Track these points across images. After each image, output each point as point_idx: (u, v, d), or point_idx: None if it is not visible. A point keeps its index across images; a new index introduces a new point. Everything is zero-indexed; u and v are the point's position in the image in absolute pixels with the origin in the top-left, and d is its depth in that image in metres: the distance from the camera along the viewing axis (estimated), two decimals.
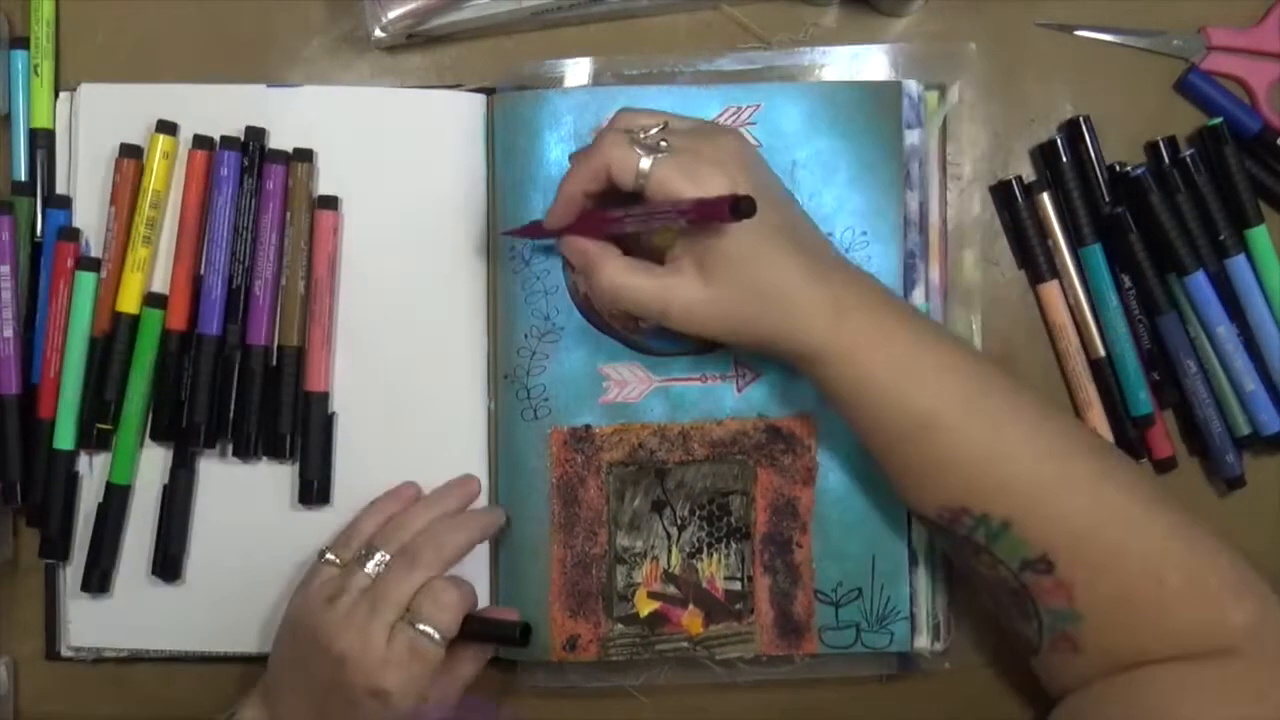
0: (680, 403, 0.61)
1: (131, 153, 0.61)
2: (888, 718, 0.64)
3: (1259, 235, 0.62)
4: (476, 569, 0.60)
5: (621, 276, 0.52)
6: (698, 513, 0.61)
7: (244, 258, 0.61)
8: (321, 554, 0.59)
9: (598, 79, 0.62)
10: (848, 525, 0.60)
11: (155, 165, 0.61)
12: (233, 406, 0.61)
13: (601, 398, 0.61)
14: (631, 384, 0.61)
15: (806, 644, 0.60)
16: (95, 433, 0.61)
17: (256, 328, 0.61)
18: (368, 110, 0.62)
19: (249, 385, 0.61)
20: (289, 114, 0.62)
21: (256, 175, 0.61)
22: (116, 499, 0.61)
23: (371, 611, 0.55)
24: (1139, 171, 0.61)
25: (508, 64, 0.63)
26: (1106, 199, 0.62)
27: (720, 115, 0.60)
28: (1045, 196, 0.63)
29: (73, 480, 0.62)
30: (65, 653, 0.63)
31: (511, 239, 0.60)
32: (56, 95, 0.63)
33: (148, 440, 0.62)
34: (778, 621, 0.60)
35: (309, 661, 0.55)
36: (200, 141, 0.61)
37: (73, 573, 0.62)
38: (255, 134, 0.61)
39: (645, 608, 0.61)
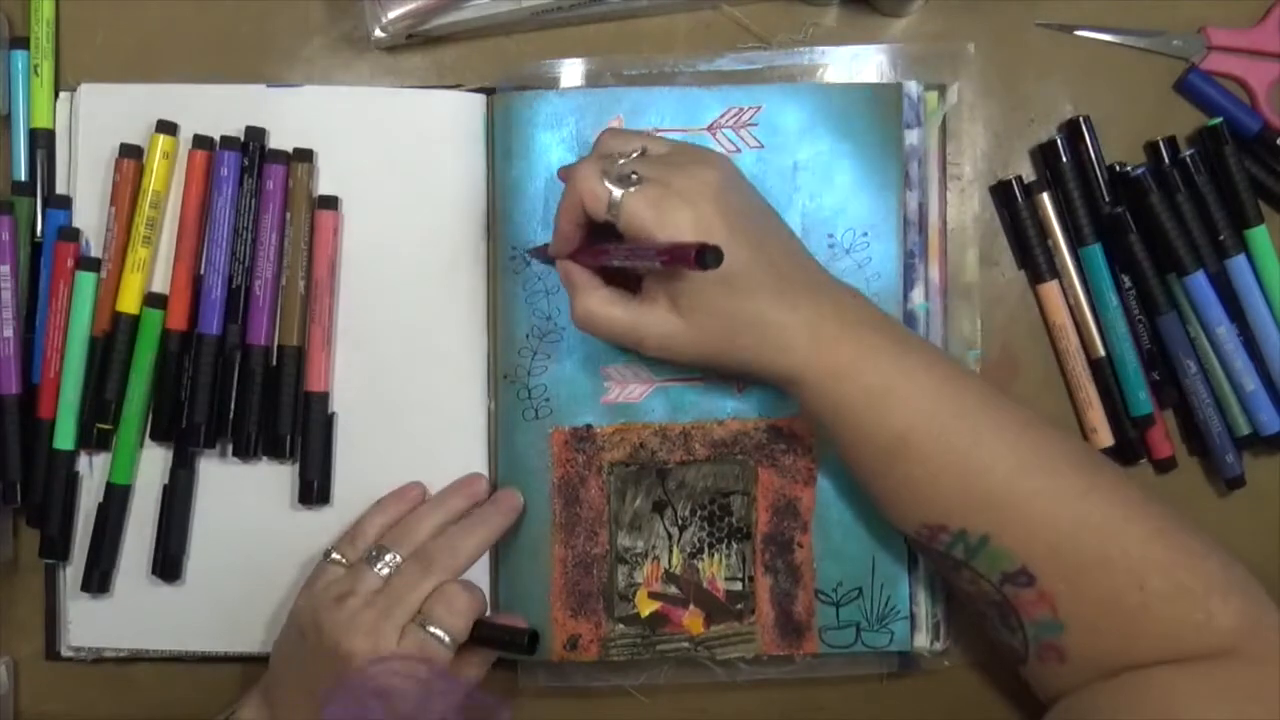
0: (681, 403, 0.61)
1: (131, 153, 0.61)
2: (888, 717, 0.64)
3: (1259, 235, 0.62)
4: (477, 568, 0.60)
5: (597, 306, 0.53)
6: (699, 513, 0.61)
7: (244, 258, 0.61)
8: (327, 553, 0.59)
9: (598, 79, 0.62)
10: (848, 525, 0.60)
11: (155, 165, 0.61)
12: (233, 406, 0.61)
13: (603, 398, 0.61)
14: (633, 384, 0.61)
15: (807, 644, 0.60)
16: (95, 433, 0.61)
17: (256, 328, 0.61)
18: (368, 110, 0.62)
19: (249, 385, 0.61)
20: (289, 114, 0.62)
21: (256, 175, 0.61)
22: (116, 499, 0.61)
23: (383, 613, 0.55)
24: (1139, 171, 0.61)
25: (508, 64, 0.63)
26: (1106, 199, 0.62)
27: (721, 116, 0.60)
28: (1045, 196, 0.63)
29: (73, 480, 0.62)
30: (65, 653, 0.63)
31: (512, 239, 0.60)
32: (56, 95, 0.63)
33: (148, 440, 0.62)
34: (778, 621, 0.60)
35: (314, 661, 0.55)
36: (200, 141, 0.61)
37: (73, 573, 0.62)
38: (255, 134, 0.61)
39: (646, 608, 0.61)
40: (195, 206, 0.61)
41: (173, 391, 0.61)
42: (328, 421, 0.62)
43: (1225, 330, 0.61)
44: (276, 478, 0.62)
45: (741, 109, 0.60)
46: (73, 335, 0.61)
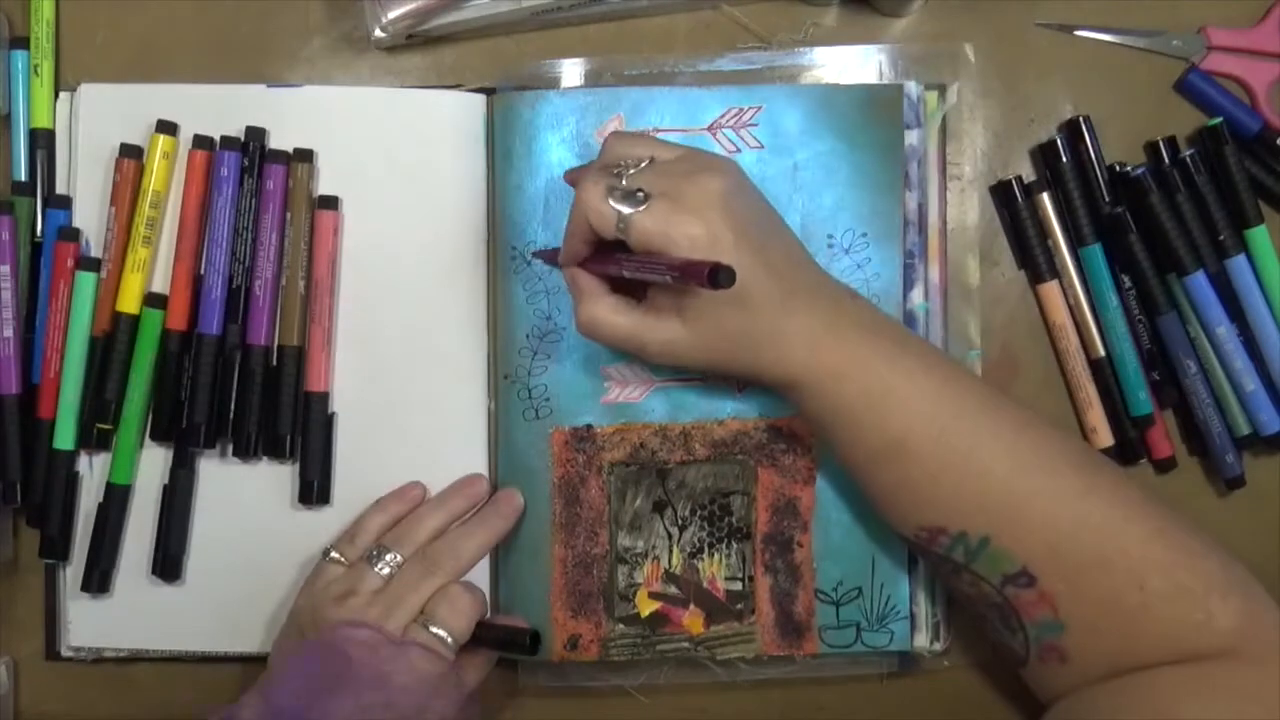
0: (681, 403, 0.61)
1: (131, 153, 0.61)
2: (888, 717, 0.64)
3: (1259, 235, 0.62)
4: (478, 568, 0.60)
5: (602, 314, 0.54)
6: (699, 513, 0.61)
7: (244, 258, 0.61)
8: (326, 552, 0.59)
9: (598, 79, 0.62)
10: (848, 525, 0.60)
11: (155, 165, 0.61)
12: (233, 407, 0.61)
13: (603, 398, 0.61)
14: (633, 384, 0.61)
15: (807, 644, 0.60)
16: (95, 433, 0.61)
17: (256, 328, 0.61)
18: (368, 110, 0.62)
19: (249, 385, 0.61)
20: (289, 114, 0.62)
21: (256, 175, 0.61)
22: (116, 499, 0.61)
23: (385, 613, 0.55)
24: (1139, 171, 0.61)
25: (508, 64, 0.63)
26: (1106, 199, 0.62)
27: (721, 116, 0.60)
28: (1045, 196, 0.63)
29: (73, 480, 0.62)
30: (65, 653, 0.63)
31: (512, 239, 0.60)
32: (56, 95, 0.63)
33: (148, 440, 0.62)
34: (779, 621, 0.60)
35: None
36: (200, 141, 0.61)
37: (73, 573, 0.62)
38: (255, 134, 0.61)
39: (646, 608, 0.61)
40: (195, 206, 0.61)
41: (173, 391, 0.61)
42: (328, 421, 0.62)
43: (1225, 330, 0.61)
44: (276, 478, 0.62)
45: (742, 109, 0.60)
46: (73, 335, 0.61)
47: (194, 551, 0.62)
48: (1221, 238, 0.62)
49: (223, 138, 0.61)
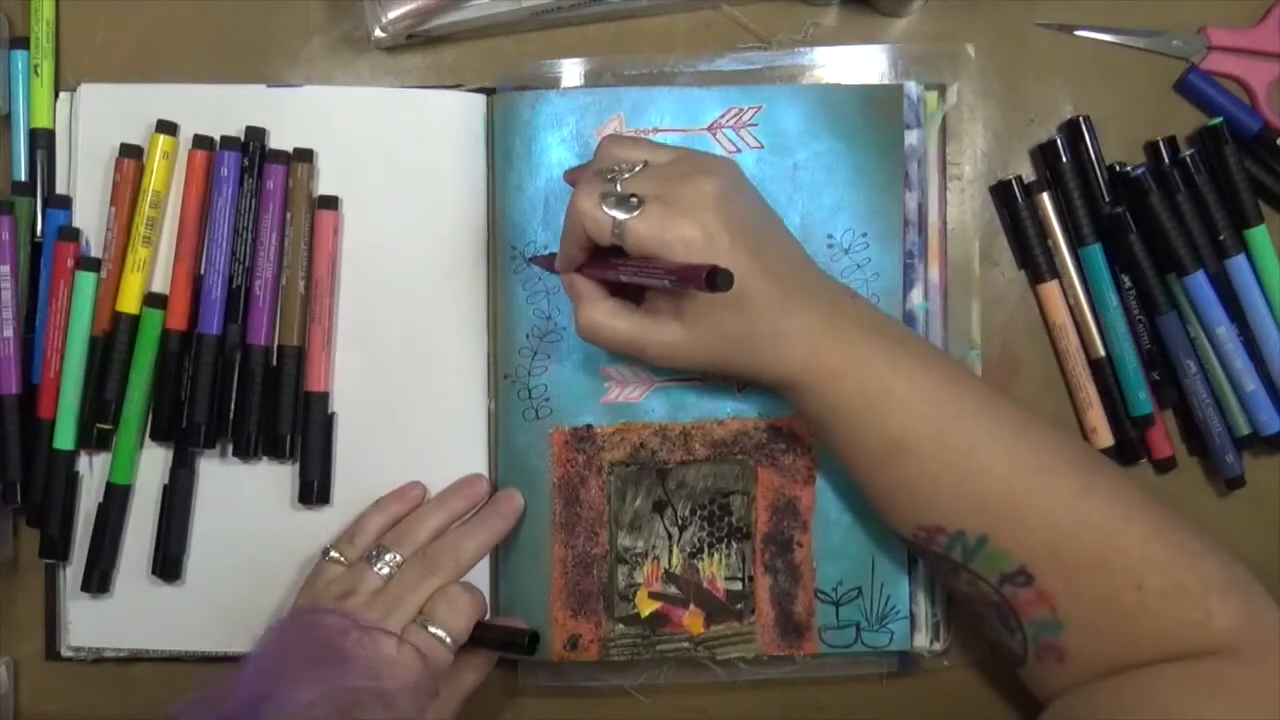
0: (681, 403, 0.61)
1: (131, 153, 0.61)
2: (887, 717, 0.64)
3: (1259, 235, 0.62)
4: (477, 569, 0.60)
5: (601, 318, 0.54)
6: (699, 512, 0.61)
7: (244, 258, 0.61)
8: (325, 552, 0.59)
9: (598, 79, 0.62)
10: (848, 524, 0.60)
11: (155, 165, 0.61)
12: (233, 406, 0.61)
13: (603, 398, 0.61)
14: (633, 384, 0.61)
15: (807, 644, 0.60)
16: (95, 433, 0.61)
17: (256, 328, 0.61)
18: (368, 110, 0.62)
19: (249, 385, 0.61)
20: (289, 114, 0.62)
21: (256, 175, 0.61)
22: (116, 499, 0.61)
23: (384, 613, 0.55)
24: (1139, 171, 0.61)
25: (508, 64, 0.63)
26: (1106, 199, 0.62)
27: (721, 116, 0.60)
28: (1045, 196, 0.63)
29: (73, 480, 0.62)
30: (65, 653, 0.63)
31: (512, 239, 0.60)
32: (56, 95, 0.63)
33: (148, 440, 0.62)
34: (779, 621, 0.60)
35: None
36: (200, 141, 0.61)
37: (73, 573, 0.62)
38: (255, 134, 0.61)
39: (646, 608, 0.61)
40: (195, 206, 0.61)
41: (173, 391, 0.61)
42: (328, 421, 0.62)
43: (1225, 330, 0.61)
44: (276, 478, 0.62)
45: (742, 109, 0.60)
46: (73, 335, 0.61)
47: (194, 551, 0.62)
48: (1221, 238, 0.62)
49: (223, 138, 0.61)
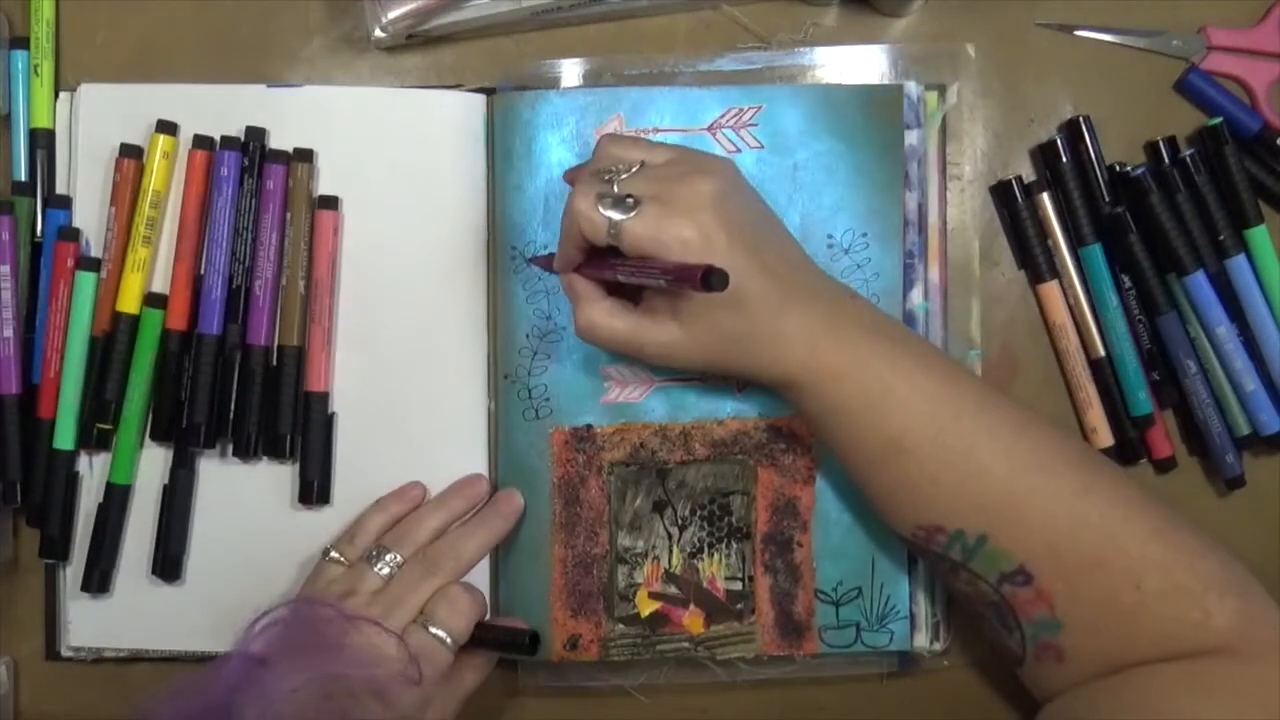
0: (681, 403, 0.61)
1: (131, 153, 0.61)
2: (887, 717, 0.64)
3: (1259, 235, 0.62)
4: (477, 569, 0.60)
5: (599, 318, 0.54)
6: (699, 512, 0.61)
7: (244, 258, 0.61)
8: (326, 552, 0.59)
9: (598, 79, 0.62)
10: (848, 524, 0.60)
11: (155, 165, 0.61)
12: (233, 406, 0.61)
13: (603, 398, 0.61)
14: (633, 384, 0.61)
15: (807, 644, 0.60)
16: (95, 433, 0.61)
17: (256, 328, 0.61)
18: (368, 110, 0.62)
19: (249, 385, 0.61)
20: (289, 114, 0.62)
21: (256, 175, 0.61)
22: (116, 499, 0.61)
23: (384, 613, 0.55)
24: (1139, 171, 0.61)
25: (508, 64, 0.63)
26: (1106, 199, 0.62)
27: (721, 116, 0.60)
28: (1045, 196, 0.63)
29: (73, 480, 0.62)
30: (65, 653, 0.63)
31: (512, 239, 0.61)
32: (56, 95, 0.63)
33: (148, 440, 0.62)
34: (778, 621, 0.60)
35: None
36: (200, 141, 0.61)
37: (73, 573, 0.62)
38: (255, 134, 0.61)
39: (646, 608, 0.61)
40: (195, 206, 0.61)
41: (173, 391, 0.61)
42: (328, 421, 0.62)
43: (1225, 330, 0.61)
44: (276, 478, 0.62)
45: (742, 109, 0.60)
46: (73, 335, 0.61)
47: (194, 551, 0.62)
48: (1221, 238, 0.62)
49: (223, 138, 0.61)
